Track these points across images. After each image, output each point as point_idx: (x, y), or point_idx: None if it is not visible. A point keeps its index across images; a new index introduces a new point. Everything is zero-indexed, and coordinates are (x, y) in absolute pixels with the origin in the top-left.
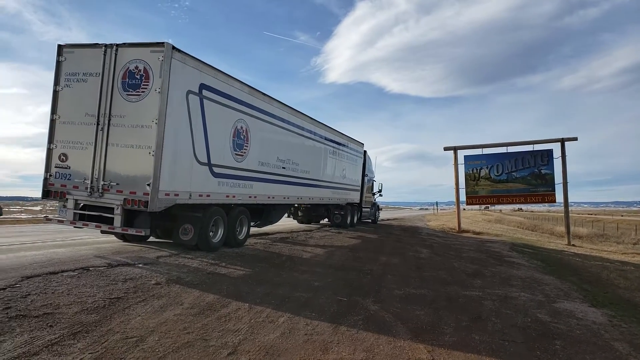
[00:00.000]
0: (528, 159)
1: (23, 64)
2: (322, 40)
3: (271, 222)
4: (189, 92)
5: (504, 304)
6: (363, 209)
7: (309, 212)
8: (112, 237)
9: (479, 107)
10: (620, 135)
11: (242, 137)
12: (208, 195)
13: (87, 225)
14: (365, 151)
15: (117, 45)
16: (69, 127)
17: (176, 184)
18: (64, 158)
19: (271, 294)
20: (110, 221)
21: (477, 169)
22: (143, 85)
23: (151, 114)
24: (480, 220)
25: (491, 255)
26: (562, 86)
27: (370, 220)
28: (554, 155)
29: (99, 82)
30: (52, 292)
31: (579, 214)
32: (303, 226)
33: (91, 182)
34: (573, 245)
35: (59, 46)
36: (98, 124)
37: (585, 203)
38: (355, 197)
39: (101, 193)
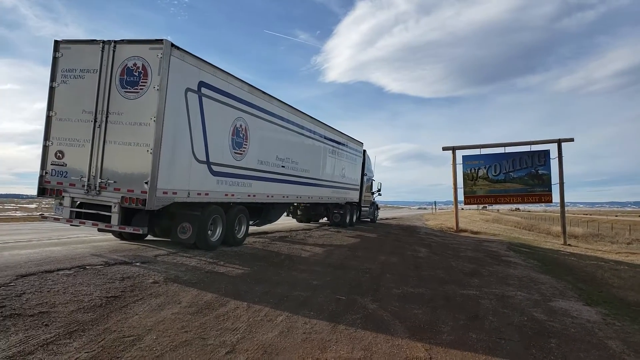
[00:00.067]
0: (525, 159)
1: (18, 59)
2: (322, 39)
3: (270, 221)
4: (188, 89)
5: (501, 302)
6: (362, 208)
7: (308, 211)
8: (109, 236)
9: (479, 107)
10: (617, 137)
11: (241, 135)
12: (207, 194)
13: (83, 223)
14: (364, 150)
15: (115, 41)
16: (66, 124)
17: (174, 182)
18: (61, 155)
19: (270, 292)
20: (107, 219)
21: (475, 169)
22: (141, 82)
23: (149, 111)
24: (478, 219)
25: (488, 255)
26: (560, 87)
27: (369, 220)
28: (551, 156)
29: (96, 78)
30: (48, 291)
31: (574, 214)
32: (302, 225)
33: (88, 180)
34: (569, 244)
35: (56, 42)
36: (95, 121)
37: (581, 203)
38: (354, 196)
39: (98, 191)
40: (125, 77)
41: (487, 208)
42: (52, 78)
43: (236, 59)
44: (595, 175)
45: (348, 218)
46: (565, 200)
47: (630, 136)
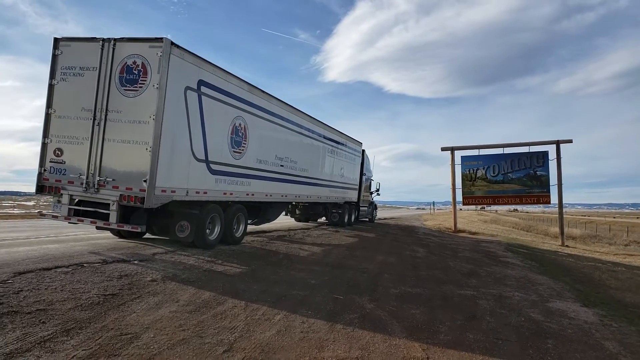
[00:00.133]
0: (524, 160)
1: (17, 56)
2: (322, 39)
3: (269, 220)
4: (187, 88)
5: (498, 303)
6: (360, 208)
7: (307, 211)
8: (107, 234)
9: (478, 107)
10: (615, 139)
11: (240, 134)
12: (205, 193)
13: (82, 221)
14: (363, 150)
15: (115, 39)
16: (65, 121)
17: (173, 180)
18: (59, 153)
19: (268, 291)
20: (105, 217)
21: (473, 170)
22: (141, 80)
23: (149, 109)
24: (476, 220)
25: (486, 255)
26: (559, 88)
27: (367, 219)
28: (550, 157)
29: (95, 76)
30: (45, 288)
31: (572, 215)
32: (300, 224)
33: (87, 178)
34: (567, 246)
35: (55, 39)
36: (94, 119)
37: (579, 204)
38: (353, 196)
39: (97, 189)
40: (124, 75)
41: (486, 209)
42: (52, 75)
43: (236, 57)
44: (593, 177)
45: (346, 218)
46: (564, 202)
47: (629, 138)
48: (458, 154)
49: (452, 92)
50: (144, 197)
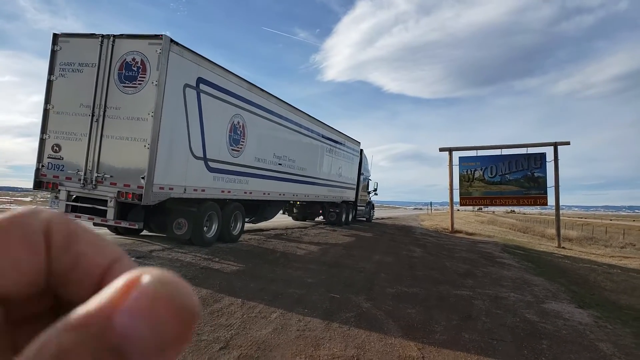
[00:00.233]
0: (522, 161)
1: (16, 51)
2: (322, 38)
3: (266, 219)
4: (186, 85)
5: (494, 303)
6: (358, 208)
7: (304, 209)
8: (105, 230)
9: (477, 108)
10: (613, 141)
11: (238, 132)
12: (203, 190)
13: (79, 217)
14: (361, 150)
15: (115, 36)
16: (63, 117)
17: (171, 177)
18: (57, 149)
19: (264, 289)
20: (103, 213)
21: (471, 171)
22: (140, 77)
23: (147, 106)
24: (473, 221)
25: (483, 256)
26: (558, 90)
27: (364, 219)
28: (547, 159)
29: (94, 72)
30: None
31: (569, 217)
32: (298, 223)
33: (84, 174)
34: (563, 247)
35: (54, 35)
36: (93, 115)
37: (576, 206)
38: (350, 195)
39: (95, 185)
40: (123, 71)
41: (483, 210)
42: (50, 71)
43: (235, 55)
44: (591, 179)
45: (344, 217)
46: (561, 203)
47: (627, 141)
48: (456, 155)
49: (451, 93)
50: (142, 194)
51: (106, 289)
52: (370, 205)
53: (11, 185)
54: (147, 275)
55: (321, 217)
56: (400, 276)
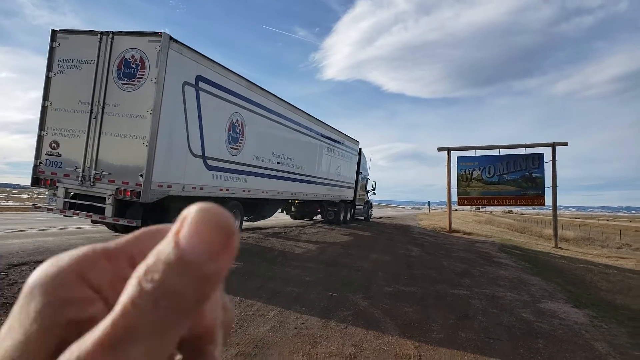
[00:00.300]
0: (520, 162)
1: (14, 47)
2: (321, 37)
3: (264, 217)
4: (185, 83)
5: (491, 303)
6: (356, 207)
7: (303, 208)
8: (103, 227)
9: (475, 108)
10: (612, 142)
11: (237, 130)
12: (201, 188)
13: (77, 214)
14: (360, 149)
15: (114, 33)
16: (61, 114)
17: (169, 175)
18: (55, 146)
19: (262, 288)
20: (101, 211)
21: (469, 170)
22: (139, 74)
23: (146, 104)
24: (471, 221)
25: (480, 256)
26: (557, 91)
27: (363, 218)
28: (545, 159)
29: (93, 69)
30: None
31: (567, 217)
32: (296, 222)
33: (83, 171)
34: (560, 247)
35: (53, 31)
36: (91, 112)
37: (573, 207)
38: (349, 194)
39: (93, 182)
40: (122, 69)
41: (481, 209)
42: (49, 68)
43: (234, 53)
44: (588, 180)
45: (342, 216)
46: (558, 204)
47: (626, 142)
48: (454, 155)
49: (450, 93)
50: (140, 192)
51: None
52: (369, 205)
53: (9, 182)
54: (194, 206)
55: (319, 216)
56: (398, 275)
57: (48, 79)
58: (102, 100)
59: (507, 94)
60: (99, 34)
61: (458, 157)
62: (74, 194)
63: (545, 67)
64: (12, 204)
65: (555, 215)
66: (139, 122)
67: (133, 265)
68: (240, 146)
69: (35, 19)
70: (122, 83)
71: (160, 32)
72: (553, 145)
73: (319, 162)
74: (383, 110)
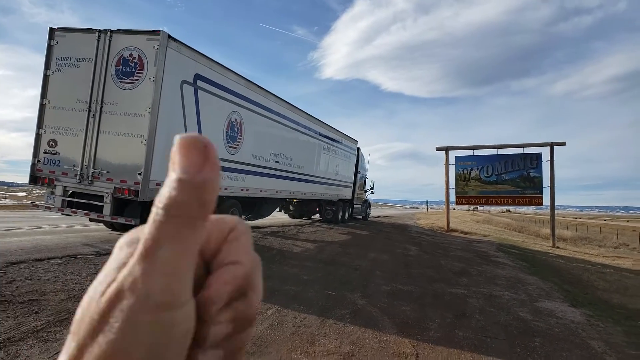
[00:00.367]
0: (518, 161)
1: (11, 45)
2: (320, 35)
3: (263, 216)
4: (184, 82)
5: (488, 302)
6: (354, 206)
7: (301, 207)
8: (101, 226)
9: (474, 108)
10: (610, 142)
11: (235, 129)
12: None
13: (75, 212)
14: (358, 148)
15: (112, 31)
16: (60, 112)
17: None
18: (53, 144)
19: None
20: (99, 209)
21: (467, 170)
22: (137, 73)
23: (144, 102)
24: (469, 220)
25: (478, 255)
26: (555, 91)
27: (361, 217)
28: (543, 159)
29: (91, 68)
30: (38, 279)
31: (564, 217)
32: (294, 221)
33: (81, 169)
34: (557, 247)
35: (51, 29)
36: (90, 111)
37: (571, 207)
38: (347, 193)
39: (91, 181)
40: (120, 67)
41: (478, 209)
42: (47, 66)
43: (232, 52)
44: (586, 180)
45: (340, 215)
46: (556, 204)
47: (623, 142)
48: (453, 154)
49: (448, 92)
50: (138, 190)
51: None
52: (367, 204)
53: (6, 180)
54: (175, 138)
55: (318, 215)
56: (396, 274)
57: (46, 77)
58: (100, 98)
59: (506, 93)
60: (97, 32)
61: (456, 157)
62: (72, 192)
63: (543, 67)
64: (9, 202)
65: (552, 214)
66: (137, 121)
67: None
68: (238, 145)
69: (33, 16)
70: (121, 81)
71: (159, 31)
72: (551, 145)
73: (318, 161)
74: (382, 109)
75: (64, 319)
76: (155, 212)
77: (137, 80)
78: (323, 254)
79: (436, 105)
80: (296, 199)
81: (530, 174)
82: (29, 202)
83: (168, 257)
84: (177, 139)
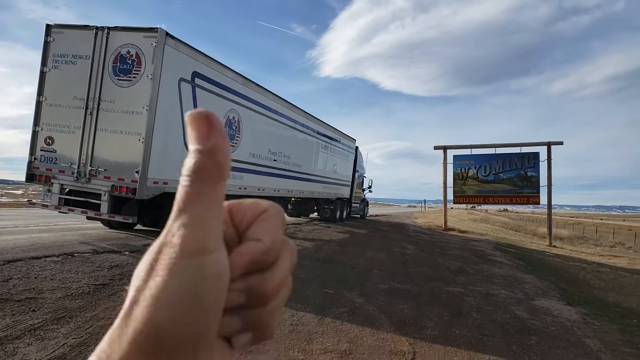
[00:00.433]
0: (515, 160)
1: (7, 41)
2: (318, 33)
3: None
4: (182, 79)
5: (485, 300)
6: (352, 204)
7: (299, 206)
8: (98, 224)
9: (472, 107)
10: (607, 141)
11: (233, 127)
12: None
13: (72, 210)
14: (356, 147)
15: (109, 28)
16: (56, 109)
17: (165, 172)
18: (50, 141)
19: None
20: (97, 207)
21: (465, 169)
22: (135, 70)
23: (142, 100)
24: (467, 219)
25: (475, 254)
26: (553, 90)
27: (359, 216)
28: (540, 158)
29: (88, 65)
30: (35, 277)
31: (561, 216)
32: (292, 219)
33: (78, 167)
34: (554, 246)
35: (48, 26)
36: (87, 108)
37: (568, 206)
38: (345, 192)
39: (88, 178)
40: (118, 64)
41: (476, 208)
42: (43, 63)
43: (230, 50)
44: (583, 179)
45: (338, 214)
46: (553, 203)
47: (621, 141)
48: (450, 153)
49: (447, 91)
50: (136, 188)
51: None
52: (365, 202)
53: (2, 178)
54: (186, 115)
55: (315, 213)
56: (393, 272)
57: (43, 74)
58: (97, 96)
59: (504, 92)
60: (95, 29)
61: (454, 156)
62: (69, 190)
63: (542, 66)
64: (6, 200)
65: (549, 213)
66: (135, 119)
67: (231, 215)
68: (236, 143)
69: (29, 12)
70: (118, 79)
71: (157, 28)
72: (549, 145)
73: (316, 160)
74: (380, 108)
75: (61, 317)
76: (182, 179)
77: (134, 77)
78: (321, 253)
79: (434, 104)
80: (294, 198)
81: (528, 173)
82: (26, 200)
83: (195, 213)
84: (186, 115)
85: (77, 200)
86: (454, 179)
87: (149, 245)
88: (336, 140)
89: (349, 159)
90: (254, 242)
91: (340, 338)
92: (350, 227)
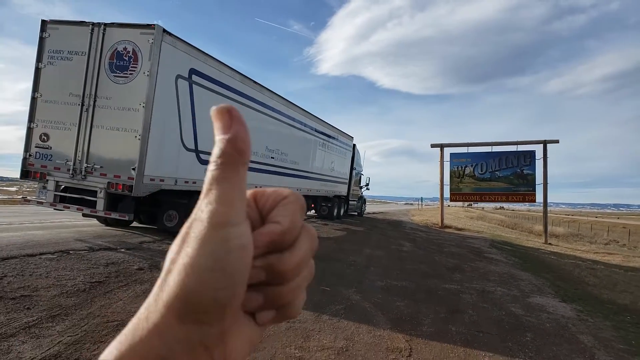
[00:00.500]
0: (511, 159)
1: (1, 37)
2: (316, 31)
3: None
4: (179, 76)
5: (481, 297)
6: (350, 202)
7: None
8: (94, 221)
9: (468, 105)
10: (602, 140)
11: None
12: (194, 182)
13: (68, 207)
14: (354, 145)
15: (105, 24)
16: (52, 106)
17: (162, 169)
18: (45, 138)
19: None
20: (93, 204)
21: (462, 167)
22: (131, 67)
23: (139, 97)
24: (463, 216)
25: (471, 251)
26: (549, 89)
27: (356, 213)
28: (536, 157)
29: (84, 61)
30: (30, 275)
31: (557, 214)
32: None
33: (74, 164)
34: (550, 243)
35: (43, 22)
36: (83, 105)
37: (563, 204)
38: (342, 189)
39: (84, 175)
40: (114, 61)
41: (472, 205)
42: (39, 59)
43: (227, 46)
44: (578, 177)
45: (335, 211)
46: (549, 201)
47: (616, 140)
48: (447, 151)
49: (443, 89)
50: (132, 185)
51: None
52: (362, 200)
53: None
54: (212, 110)
55: (313, 211)
56: (390, 270)
57: (38, 70)
58: (93, 92)
59: (500, 91)
60: (91, 25)
61: (451, 154)
62: (65, 187)
63: (537, 66)
64: (0, 197)
65: (545, 211)
66: (132, 116)
67: (255, 201)
68: None
69: (24, 8)
70: (114, 75)
71: (153, 24)
72: (544, 143)
73: (313, 158)
74: (377, 106)
75: (56, 315)
76: (210, 165)
77: (131, 74)
78: (318, 250)
79: (431, 102)
80: None
81: (524, 171)
82: (20, 197)
83: (220, 192)
84: (211, 111)
85: (72, 197)
86: (451, 176)
87: (145, 242)
88: (334, 138)
89: (346, 156)
90: (273, 224)
91: (337, 335)
92: (347, 225)
